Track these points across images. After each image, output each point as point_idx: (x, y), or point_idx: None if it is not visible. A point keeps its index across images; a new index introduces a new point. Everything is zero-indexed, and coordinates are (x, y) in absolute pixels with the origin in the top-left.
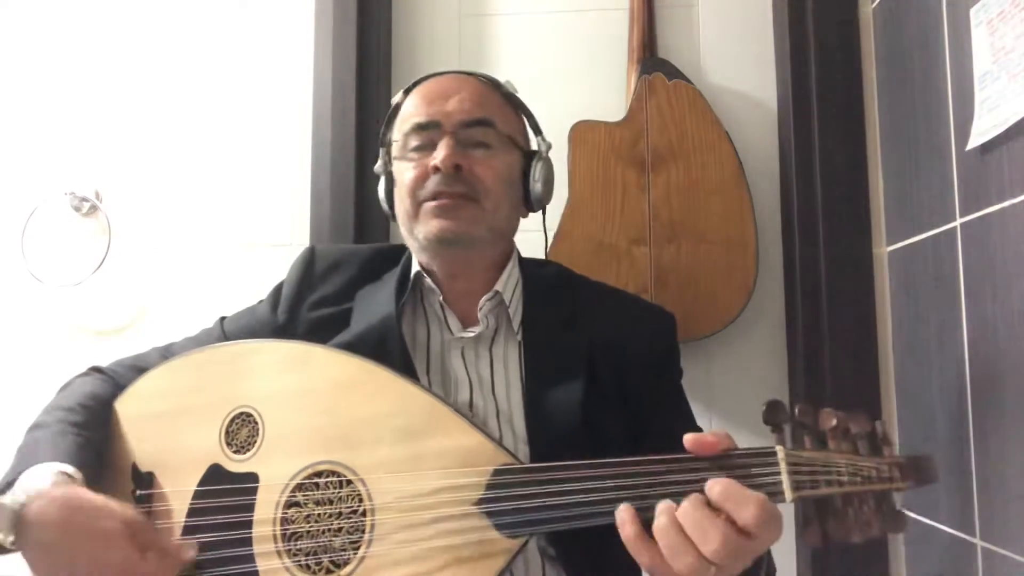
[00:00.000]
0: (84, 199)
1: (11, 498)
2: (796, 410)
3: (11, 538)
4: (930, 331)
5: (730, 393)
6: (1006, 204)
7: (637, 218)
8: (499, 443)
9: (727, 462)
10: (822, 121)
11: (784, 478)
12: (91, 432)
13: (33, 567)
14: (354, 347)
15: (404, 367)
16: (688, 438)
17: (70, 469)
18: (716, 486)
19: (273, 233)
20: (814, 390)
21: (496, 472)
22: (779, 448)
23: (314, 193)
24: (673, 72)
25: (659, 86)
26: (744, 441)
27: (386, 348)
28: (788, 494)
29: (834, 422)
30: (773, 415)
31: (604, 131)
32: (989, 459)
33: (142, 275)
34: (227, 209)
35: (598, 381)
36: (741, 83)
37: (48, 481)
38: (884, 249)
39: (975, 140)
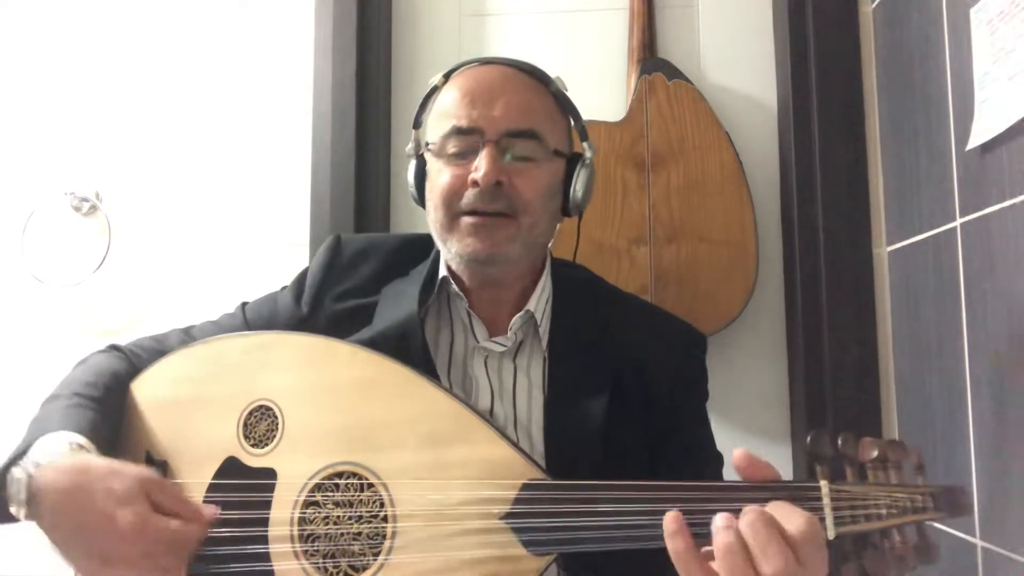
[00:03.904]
0: (84, 199)
1: (22, 469)
2: (839, 440)
3: (24, 510)
4: (930, 331)
5: (730, 393)
6: (1006, 204)
7: (637, 218)
8: (529, 456)
9: (769, 494)
10: (822, 121)
11: (827, 514)
12: (106, 407)
13: (49, 537)
14: (375, 345)
15: (424, 370)
16: (739, 453)
17: (82, 439)
18: (771, 505)
19: (273, 233)
20: (814, 390)
21: (525, 487)
22: (823, 483)
23: (314, 193)
24: (673, 72)
25: (659, 86)
26: (744, 443)
27: (407, 349)
28: (831, 531)
29: (875, 453)
30: (817, 447)
31: (604, 131)
32: (989, 459)
33: (142, 275)
34: (227, 209)
35: (622, 399)
36: (741, 83)
37: (60, 451)
38: (884, 249)
39: (975, 140)
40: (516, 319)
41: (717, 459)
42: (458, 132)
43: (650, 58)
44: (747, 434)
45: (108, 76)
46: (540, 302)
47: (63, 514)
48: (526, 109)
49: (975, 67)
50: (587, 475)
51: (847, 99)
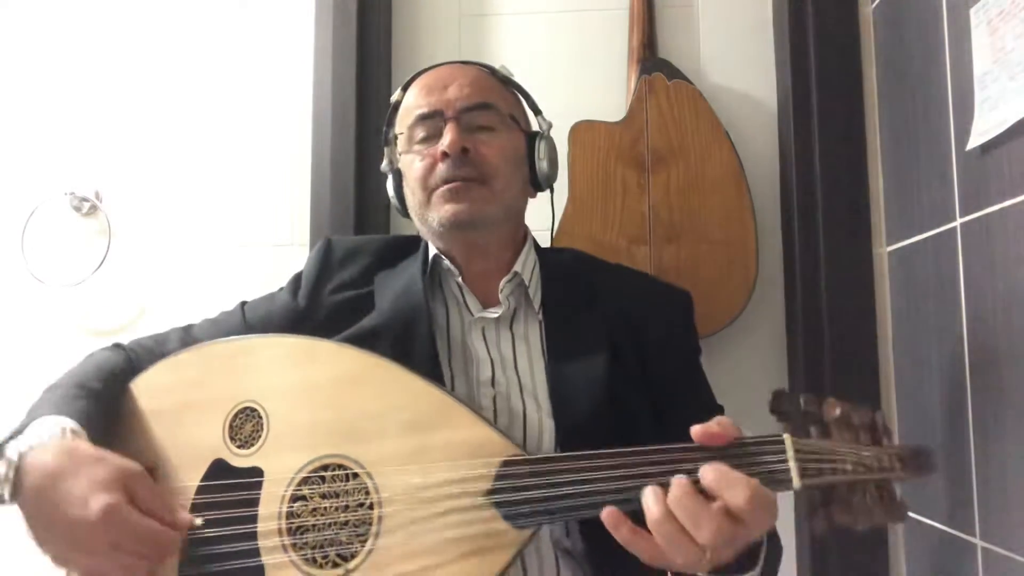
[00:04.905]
0: (84, 199)
1: (13, 449)
2: (802, 400)
3: (8, 488)
4: (930, 331)
5: (730, 393)
6: (1006, 204)
7: (637, 218)
8: (506, 435)
9: (734, 451)
10: (822, 121)
11: (792, 465)
12: (101, 398)
13: (26, 518)
14: (382, 330)
15: (430, 348)
16: (696, 430)
17: (74, 424)
18: (708, 472)
19: (273, 233)
20: (814, 390)
21: (505, 463)
22: (786, 436)
23: (314, 193)
24: (673, 72)
25: (659, 86)
26: None
27: (415, 329)
28: (796, 481)
29: (838, 412)
30: (779, 404)
31: (604, 131)
32: (989, 459)
33: (142, 275)
34: (227, 209)
35: (620, 358)
36: (741, 83)
37: (51, 434)
38: (884, 249)
39: (975, 140)
40: (504, 283)
41: (718, 412)
42: (421, 118)
43: (650, 58)
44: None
45: (108, 76)
46: (526, 267)
47: (44, 495)
48: (477, 86)
49: (975, 67)
50: (597, 433)
51: (847, 99)
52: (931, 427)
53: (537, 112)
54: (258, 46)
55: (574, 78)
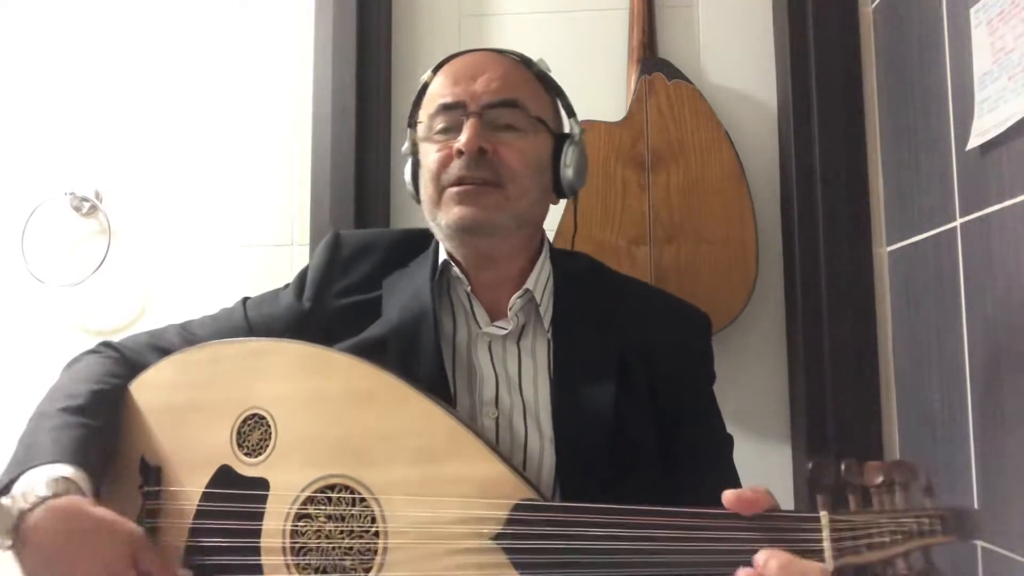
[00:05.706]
0: (84, 199)
1: (11, 501)
2: (842, 467)
3: (8, 542)
4: (930, 331)
5: (730, 393)
6: (1006, 204)
7: (637, 218)
8: (521, 474)
9: (768, 524)
10: (822, 121)
11: (826, 545)
12: (96, 420)
13: (27, 573)
14: (389, 340)
15: (437, 361)
16: (728, 496)
17: (70, 471)
18: (772, 561)
19: (273, 233)
20: (814, 391)
21: (517, 507)
22: (823, 514)
23: (314, 193)
24: (673, 72)
25: (659, 86)
26: (744, 443)
27: (421, 340)
28: (829, 563)
29: (880, 479)
30: (818, 475)
31: (604, 131)
32: (989, 459)
33: (142, 275)
34: (227, 209)
35: (629, 382)
36: (741, 83)
37: (49, 487)
38: (884, 249)
39: (975, 140)
40: (515, 299)
41: (727, 443)
42: (443, 108)
43: (650, 58)
44: (747, 434)
45: (108, 76)
46: (539, 282)
47: (48, 561)
48: (506, 81)
49: (975, 67)
50: (599, 464)
51: (847, 99)
52: (931, 427)
53: (571, 114)
54: (258, 45)
55: (574, 78)
